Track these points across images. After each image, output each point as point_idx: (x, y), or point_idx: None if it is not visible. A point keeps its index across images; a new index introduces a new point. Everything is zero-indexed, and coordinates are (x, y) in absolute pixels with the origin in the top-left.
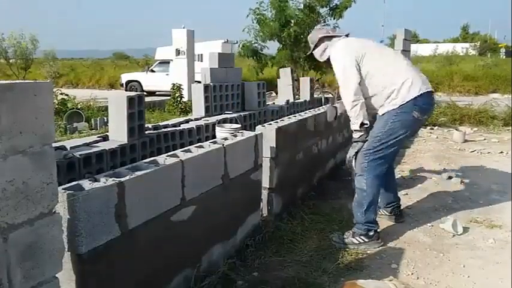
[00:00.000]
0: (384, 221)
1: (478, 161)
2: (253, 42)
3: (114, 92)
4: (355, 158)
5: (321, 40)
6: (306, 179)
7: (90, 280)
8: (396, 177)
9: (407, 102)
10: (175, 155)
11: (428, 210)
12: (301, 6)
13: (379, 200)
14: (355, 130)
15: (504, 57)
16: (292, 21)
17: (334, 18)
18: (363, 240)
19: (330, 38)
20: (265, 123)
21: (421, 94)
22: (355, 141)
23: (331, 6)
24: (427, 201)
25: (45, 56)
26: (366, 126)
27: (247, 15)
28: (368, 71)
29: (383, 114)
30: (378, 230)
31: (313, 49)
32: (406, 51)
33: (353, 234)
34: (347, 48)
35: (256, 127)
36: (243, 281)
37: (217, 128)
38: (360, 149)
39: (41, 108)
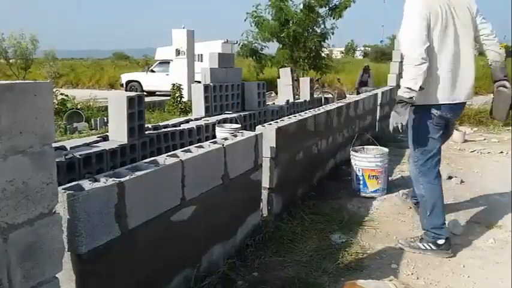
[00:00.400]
0: (384, 220)
1: (478, 161)
2: (253, 42)
3: (114, 92)
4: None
5: None
6: (306, 179)
7: (90, 280)
8: (396, 177)
9: (427, 104)
10: (175, 155)
11: None
12: (301, 6)
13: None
14: (408, 88)
15: None
16: (292, 21)
17: (333, 18)
18: (430, 247)
19: None
20: (265, 123)
21: (444, 104)
22: (402, 102)
23: (330, 6)
24: None
25: (45, 56)
26: (421, 89)
27: (245, 19)
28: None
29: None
30: (448, 237)
31: None
32: None
33: (421, 239)
34: (426, 2)
35: (256, 127)
36: (243, 281)
37: (217, 128)
38: (407, 119)
39: (41, 108)
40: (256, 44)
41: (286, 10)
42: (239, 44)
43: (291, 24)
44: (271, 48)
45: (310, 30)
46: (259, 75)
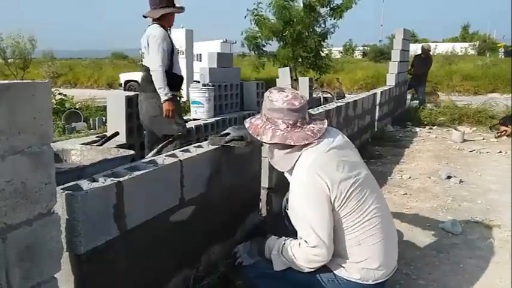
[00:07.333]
0: None
1: (477, 161)
2: (257, 35)
3: (112, 92)
4: None
5: None
6: None
7: (88, 280)
8: (395, 177)
9: None
10: (174, 155)
11: (427, 210)
12: (301, 5)
13: None
14: None
15: (503, 56)
16: (295, 19)
17: (334, 18)
18: None
19: None
20: None
21: None
22: None
23: (331, 6)
24: (426, 201)
25: (43, 55)
26: None
27: (245, 16)
28: None
29: None
30: None
31: None
32: (405, 51)
33: None
34: None
35: None
36: (242, 281)
37: (190, 90)
38: None
39: (39, 108)
40: (258, 40)
41: (290, 10)
42: (245, 38)
43: (294, 24)
44: (272, 46)
45: (311, 29)
46: (260, 71)
